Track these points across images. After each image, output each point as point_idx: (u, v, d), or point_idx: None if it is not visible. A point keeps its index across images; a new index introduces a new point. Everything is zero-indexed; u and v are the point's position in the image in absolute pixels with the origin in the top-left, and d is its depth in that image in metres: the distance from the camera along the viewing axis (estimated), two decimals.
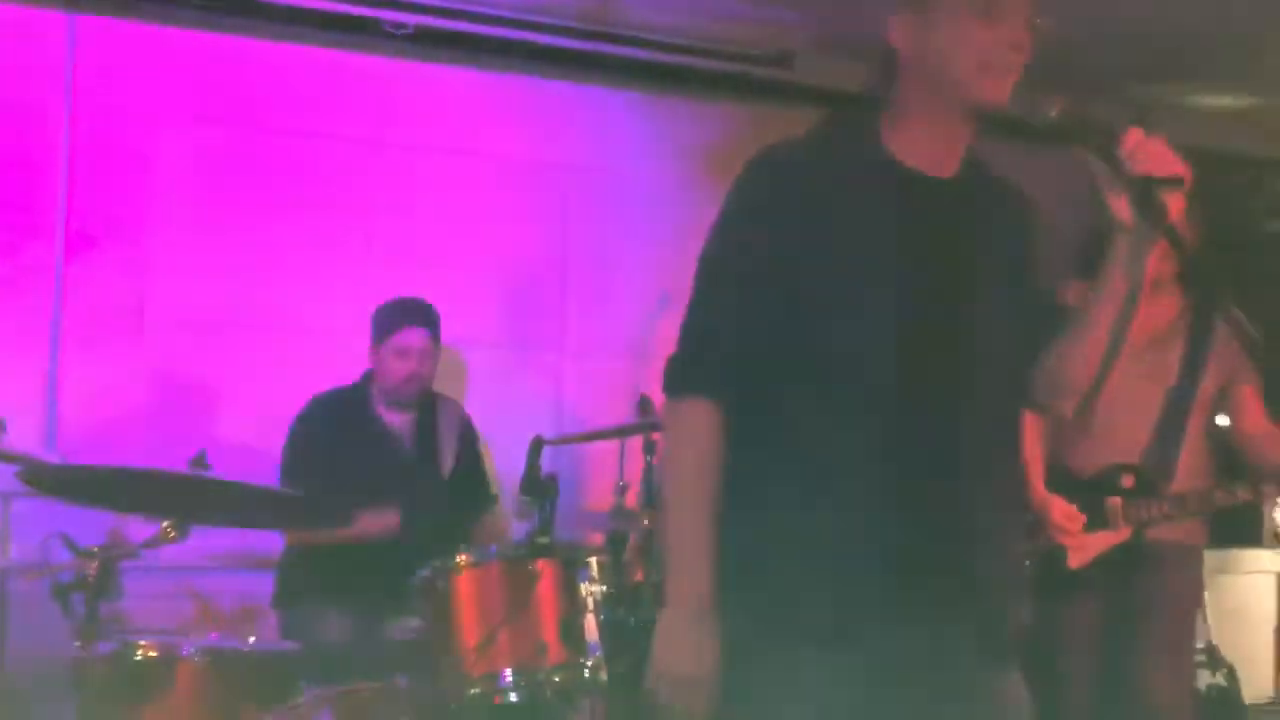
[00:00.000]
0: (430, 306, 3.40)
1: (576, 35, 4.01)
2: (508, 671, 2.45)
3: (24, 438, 3.42)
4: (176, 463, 3.43)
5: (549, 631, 2.49)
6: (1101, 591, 3.00)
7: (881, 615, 1.63)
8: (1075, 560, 2.97)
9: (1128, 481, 2.97)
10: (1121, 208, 1.64)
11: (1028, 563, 2.90)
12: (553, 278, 4.17)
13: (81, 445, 3.57)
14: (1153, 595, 2.99)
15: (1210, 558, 4.04)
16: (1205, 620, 4.31)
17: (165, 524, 2.51)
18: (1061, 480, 3.02)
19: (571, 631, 2.51)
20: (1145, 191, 1.57)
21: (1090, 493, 2.99)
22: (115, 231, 3.68)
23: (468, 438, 3.49)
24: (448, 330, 3.78)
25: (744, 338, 1.66)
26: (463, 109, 4.05)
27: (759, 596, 1.64)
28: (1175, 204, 1.59)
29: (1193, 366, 3.04)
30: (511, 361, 4.08)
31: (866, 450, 1.64)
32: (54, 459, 3.47)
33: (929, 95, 1.70)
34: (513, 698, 2.47)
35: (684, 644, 1.62)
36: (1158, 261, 2.96)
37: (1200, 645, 4.10)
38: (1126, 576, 2.98)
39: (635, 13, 4.03)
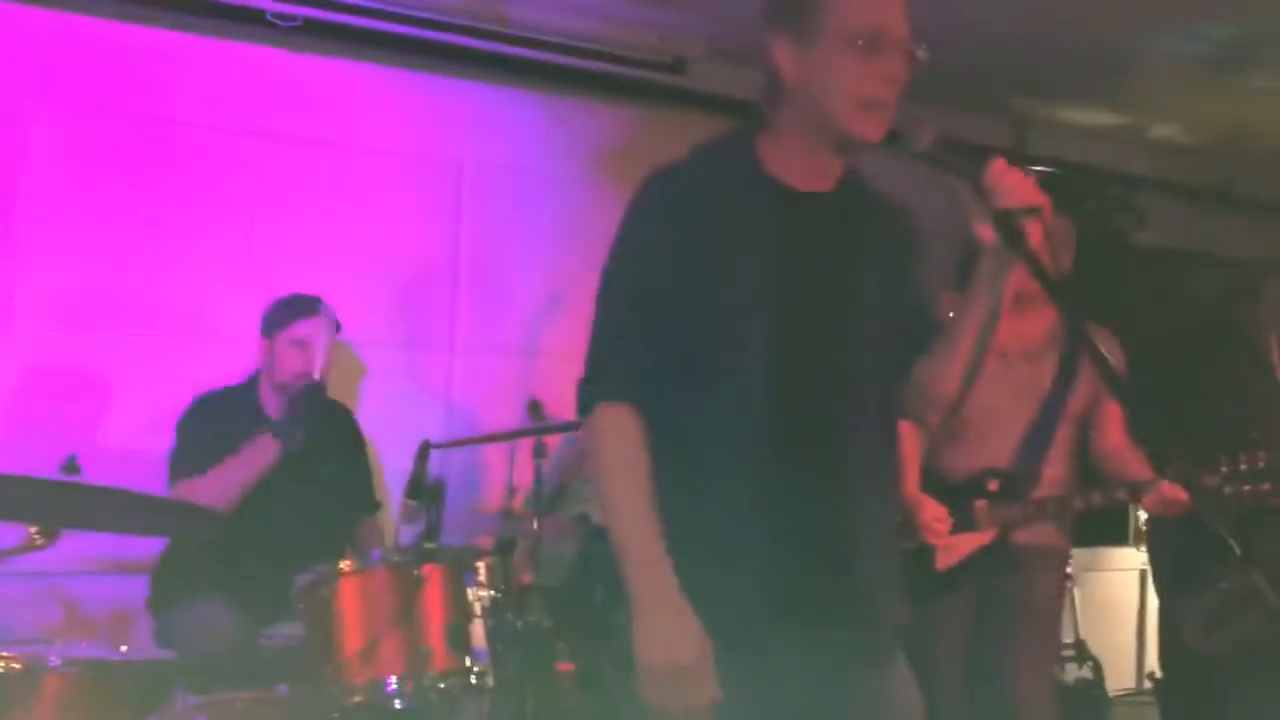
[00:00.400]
0: (323, 302, 3.29)
1: (472, 34, 3.97)
2: (392, 679, 2.42)
3: None
4: (46, 464, 3.33)
5: (435, 637, 2.47)
6: (969, 591, 3.11)
7: (767, 615, 1.71)
8: (943, 560, 3.08)
9: (993, 485, 3.09)
10: (985, 232, 1.75)
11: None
12: (444, 276, 4.12)
13: None
14: (1018, 595, 3.12)
15: (1079, 555, 4.23)
16: (1074, 616, 4.51)
17: (32, 530, 2.41)
18: (934, 483, 3.13)
19: (458, 637, 2.50)
20: (1007, 219, 1.69)
21: (959, 496, 3.10)
22: None
23: (352, 441, 3.41)
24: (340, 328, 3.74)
25: (644, 349, 1.75)
26: (354, 103, 3.97)
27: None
28: (1034, 231, 1.70)
29: (1064, 379, 3.17)
30: (402, 361, 4.02)
31: (749, 456, 1.73)
32: None
33: (806, 120, 1.79)
34: (397, 705, 2.46)
35: (672, 635, 1.65)
36: (1028, 278, 3.12)
37: (1068, 640, 4.29)
38: (993, 577, 3.10)
39: (531, 14, 4.01)
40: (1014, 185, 1.69)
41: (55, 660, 2.43)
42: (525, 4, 3.99)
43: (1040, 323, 3.20)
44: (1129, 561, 5.41)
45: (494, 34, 4.00)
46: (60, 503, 2.32)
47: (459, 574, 2.58)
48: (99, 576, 3.45)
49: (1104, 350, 3.09)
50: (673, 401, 1.75)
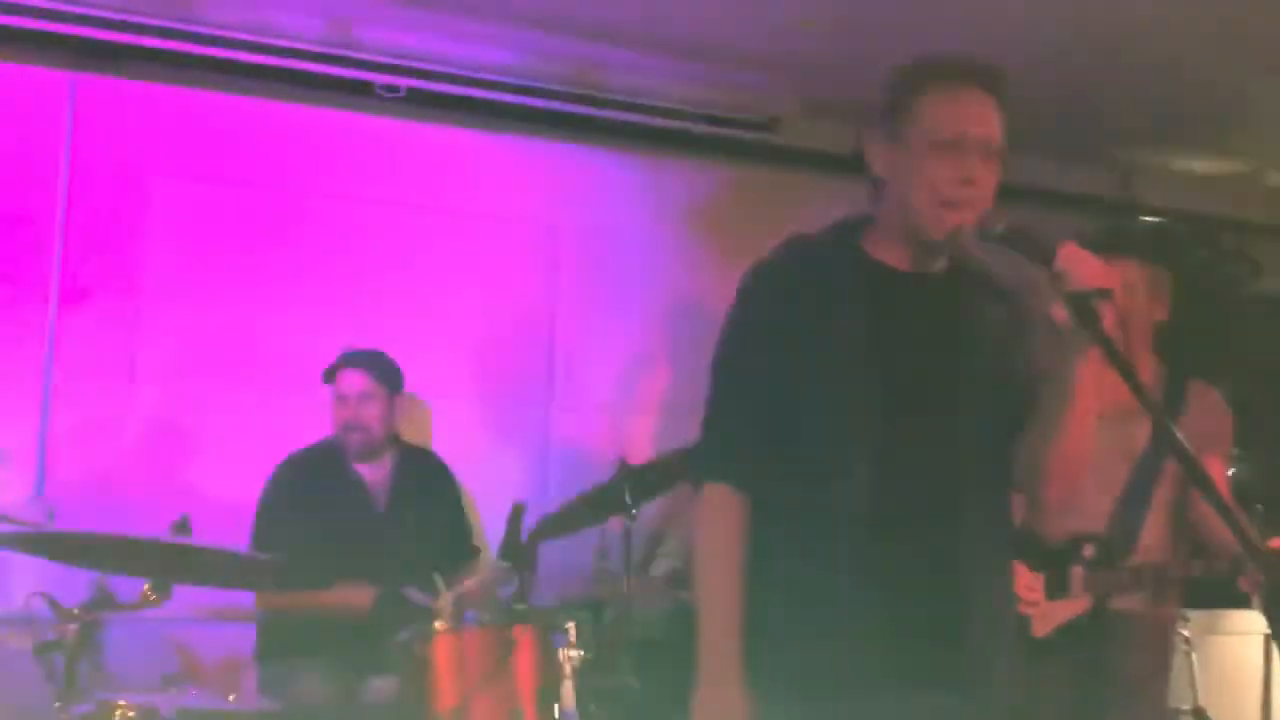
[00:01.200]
0: (375, 353, 3.38)
1: (567, 99, 4.09)
2: None
3: (13, 487, 3.48)
4: (162, 514, 3.49)
5: (525, 698, 2.51)
6: (1068, 659, 3.03)
7: (870, 677, 1.78)
8: (1040, 628, 3.01)
9: (1088, 552, 3.01)
10: (1059, 314, 1.75)
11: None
12: (540, 334, 4.22)
13: (69, 495, 3.62)
14: (1116, 664, 3.02)
15: (1198, 618, 4.08)
16: (1193, 683, 4.34)
17: (147, 586, 2.55)
18: (1032, 548, 3.07)
19: (548, 698, 2.53)
20: (1078, 301, 1.70)
21: (1055, 562, 3.03)
22: (108, 285, 3.74)
23: (444, 488, 3.49)
24: (437, 384, 3.87)
25: (750, 432, 1.85)
26: (455, 168, 4.13)
27: (766, 655, 1.80)
28: (1106, 312, 1.71)
29: (1160, 439, 3.09)
30: (499, 416, 4.13)
31: (854, 536, 1.79)
32: (42, 509, 3.52)
33: (901, 216, 1.86)
34: None
35: (723, 708, 1.77)
36: (1128, 336, 3.06)
37: (1187, 707, 4.13)
38: (1091, 645, 3.02)
39: (624, 77, 4.12)
40: (1085, 268, 1.71)
41: (167, 710, 2.56)
42: (619, 69, 4.10)
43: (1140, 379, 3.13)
44: (1252, 625, 5.18)
45: (588, 97, 4.11)
46: (171, 562, 2.45)
47: (549, 635, 2.62)
48: (212, 625, 3.60)
49: (1207, 407, 3.05)
50: (778, 482, 1.82)
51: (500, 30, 3.91)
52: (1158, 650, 3.17)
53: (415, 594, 2.99)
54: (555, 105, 4.09)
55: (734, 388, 1.89)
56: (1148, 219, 5.19)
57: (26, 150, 3.67)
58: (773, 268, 1.92)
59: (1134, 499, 3.05)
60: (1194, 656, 4.42)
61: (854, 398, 1.81)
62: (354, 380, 3.28)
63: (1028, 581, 2.98)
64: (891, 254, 1.88)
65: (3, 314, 3.62)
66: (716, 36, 3.94)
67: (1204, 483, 1.71)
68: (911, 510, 1.81)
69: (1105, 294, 1.72)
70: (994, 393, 1.87)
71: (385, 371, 3.33)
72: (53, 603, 2.67)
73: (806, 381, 1.82)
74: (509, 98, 4.04)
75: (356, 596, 3.12)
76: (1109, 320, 1.70)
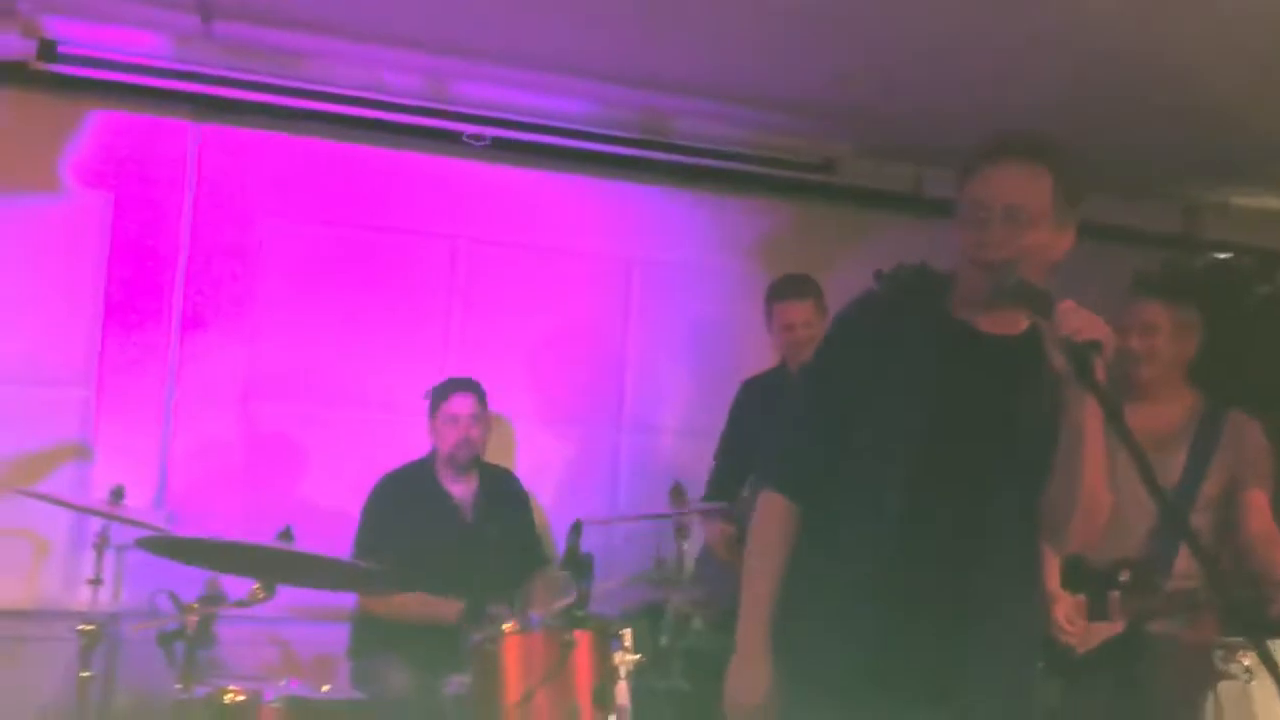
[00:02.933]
0: (474, 380, 3.78)
1: (638, 144, 4.38)
2: None
3: (138, 497, 3.87)
4: (270, 523, 3.87)
5: (582, 696, 2.78)
6: (1106, 678, 3.18)
7: (873, 686, 2.01)
8: (1081, 647, 3.17)
9: (1125, 576, 3.15)
10: (1059, 361, 1.94)
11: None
12: (613, 361, 4.51)
13: (187, 505, 4.00)
14: (1149, 686, 3.15)
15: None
16: (1253, 711, 4.36)
17: (255, 586, 2.90)
18: (1075, 572, 3.23)
19: (603, 697, 2.80)
20: (1074, 352, 1.88)
21: (1096, 585, 3.19)
22: (224, 316, 4.13)
23: (519, 502, 3.84)
24: (518, 409, 4.21)
25: (813, 453, 2.11)
26: (536, 207, 4.44)
27: (793, 651, 2.08)
28: (1098, 364, 1.88)
29: (1195, 469, 3.21)
30: (574, 437, 4.43)
31: (891, 550, 2.02)
32: (163, 515, 3.92)
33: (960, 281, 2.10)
34: None
35: (750, 683, 2.07)
36: (1161, 368, 3.21)
37: None
38: (1127, 667, 3.16)
39: (693, 125, 4.40)
40: (1079, 321, 1.88)
41: (269, 696, 2.90)
42: (688, 117, 4.38)
43: (1172, 411, 3.25)
44: None
45: (660, 144, 4.40)
46: (276, 565, 2.80)
47: (606, 640, 2.88)
48: (311, 623, 3.96)
49: (1245, 438, 3.16)
50: (831, 499, 2.08)
51: (577, 83, 4.20)
52: (1193, 674, 3.27)
53: (496, 609, 3.33)
54: (627, 151, 4.38)
55: (807, 414, 2.16)
56: (1213, 254, 5.26)
57: (154, 192, 4.07)
58: (861, 307, 2.17)
59: (1167, 526, 3.19)
60: (1253, 684, 4.43)
61: (905, 437, 2.03)
62: (465, 403, 3.70)
63: (1069, 613, 3.14)
64: (972, 310, 2.08)
65: (130, 339, 4.02)
66: (776, 85, 4.16)
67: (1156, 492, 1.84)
68: (941, 541, 2.02)
69: (1097, 346, 1.87)
70: (1035, 447, 2.03)
71: (484, 396, 3.73)
72: (174, 598, 3.04)
73: (869, 418, 2.06)
74: (586, 144, 4.34)
75: (445, 608, 3.45)
76: (1098, 371, 1.86)
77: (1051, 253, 2.04)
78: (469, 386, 3.74)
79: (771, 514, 2.12)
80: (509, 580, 3.60)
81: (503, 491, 3.80)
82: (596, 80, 4.19)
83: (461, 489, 3.74)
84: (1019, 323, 2.09)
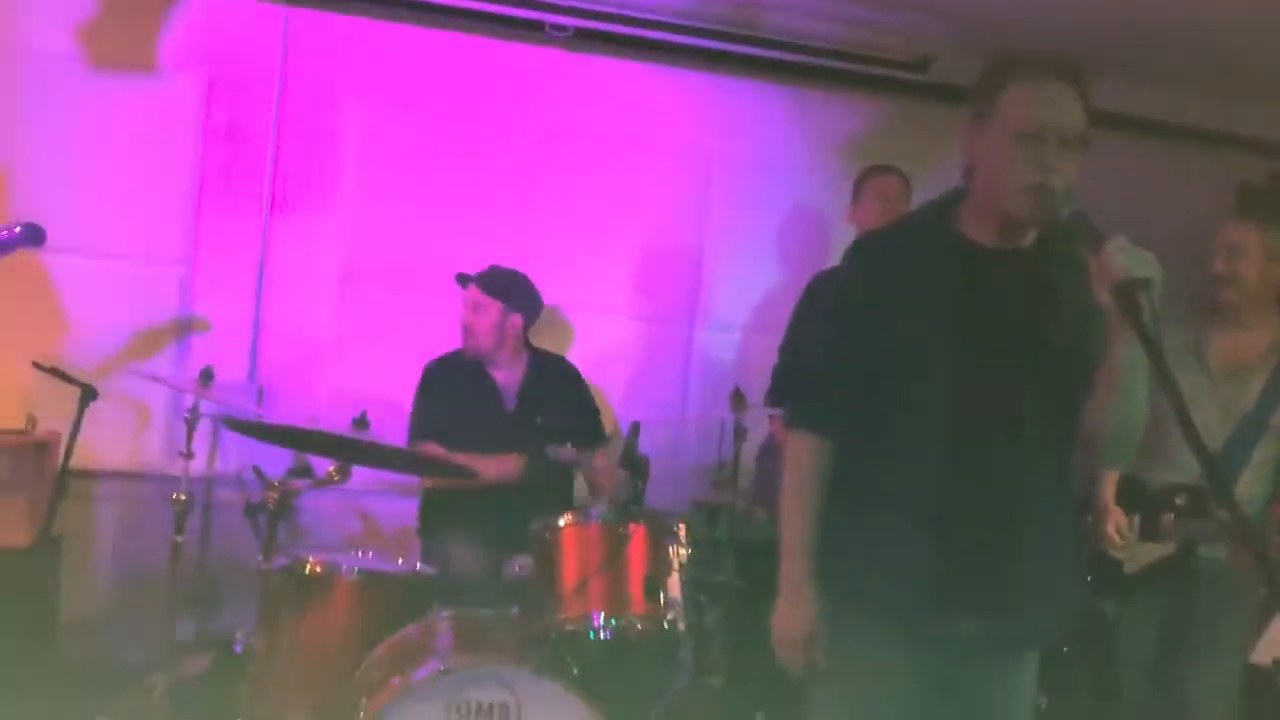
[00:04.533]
0: (495, 273, 3.78)
1: (725, 38, 4.31)
2: (598, 614, 2.89)
3: (231, 373, 4.07)
4: (352, 406, 4.05)
5: (635, 585, 2.91)
6: (1154, 599, 3.21)
7: (926, 604, 2.06)
8: (1129, 567, 3.20)
9: (1180, 500, 3.15)
10: (1103, 297, 1.92)
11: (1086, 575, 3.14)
12: (690, 256, 4.52)
13: (276, 382, 4.20)
14: (1198, 609, 3.17)
15: None
16: None
17: (332, 468, 3.07)
18: (1132, 491, 3.23)
19: (655, 587, 2.92)
20: (1121, 289, 1.86)
21: (1151, 507, 3.19)
22: (313, 200, 4.24)
23: (573, 385, 3.89)
24: (593, 302, 4.29)
25: (840, 388, 2.13)
26: (618, 98, 4.42)
27: (839, 582, 2.13)
28: (1143, 302, 1.86)
29: (1270, 398, 3.16)
30: (648, 333, 4.49)
31: (922, 481, 2.06)
32: (253, 393, 4.13)
33: (988, 197, 2.06)
34: (604, 636, 2.93)
35: (795, 617, 2.13)
36: (1248, 294, 3.12)
37: None
38: (1177, 589, 3.18)
39: (783, 19, 4.30)
40: (1129, 259, 1.86)
41: (346, 568, 3.09)
42: (778, 10, 4.28)
43: (1257, 339, 3.19)
44: None
45: (749, 38, 4.32)
46: (350, 450, 2.95)
47: (660, 534, 2.99)
48: (395, 497, 4.15)
49: None
50: (862, 431, 2.10)
51: None
52: (1241, 598, 3.29)
53: (555, 450, 3.45)
54: (715, 44, 4.31)
55: (830, 348, 2.19)
56: None
57: (245, 75, 4.17)
58: (870, 243, 2.19)
59: (1232, 453, 3.16)
60: None
61: (934, 362, 2.04)
62: (470, 292, 3.76)
63: (1120, 526, 3.16)
64: (979, 230, 2.08)
65: (224, 220, 4.17)
66: None
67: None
68: (980, 458, 2.03)
69: (1146, 284, 1.86)
70: (1065, 360, 2.05)
71: (500, 289, 3.74)
72: (259, 473, 3.24)
73: (894, 346, 2.07)
74: (672, 37, 4.29)
75: (507, 463, 3.59)
76: (1145, 308, 1.84)
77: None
78: (475, 277, 3.76)
79: (804, 453, 2.15)
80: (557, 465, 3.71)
81: (552, 375, 3.85)
82: None
83: (505, 375, 3.80)
84: (1027, 236, 2.08)
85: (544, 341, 4.03)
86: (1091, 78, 2.04)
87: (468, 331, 3.75)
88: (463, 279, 3.79)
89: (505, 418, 3.73)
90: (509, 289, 3.76)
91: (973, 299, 2.05)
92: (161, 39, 4.08)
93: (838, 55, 4.40)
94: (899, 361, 2.06)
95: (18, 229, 2.77)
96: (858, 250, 2.21)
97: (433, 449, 3.49)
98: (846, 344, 2.14)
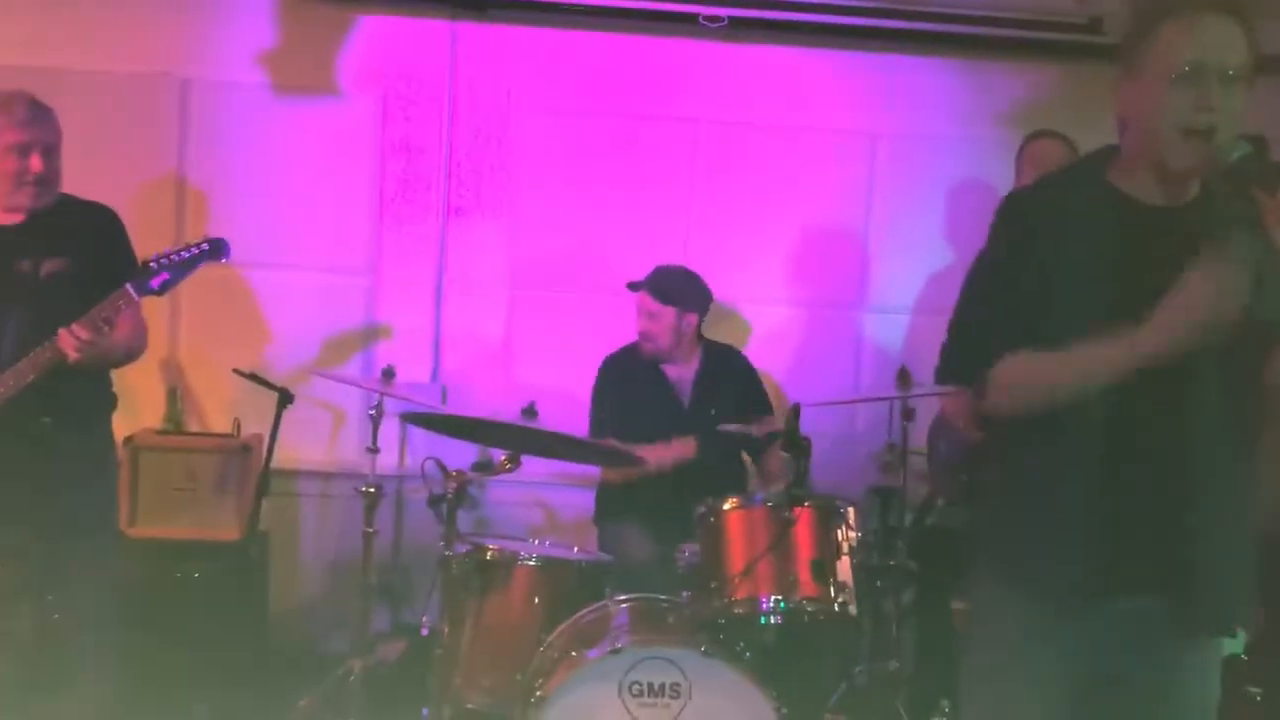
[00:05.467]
0: (666, 274, 3.84)
1: (880, 15, 4.24)
2: (766, 597, 2.90)
3: (415, 374, 4.28)
4: (524, 397, 4.19)
5: (802, 568, 2.91)
6: None
7: (1092, 578, 1.97)
8: None
9: None
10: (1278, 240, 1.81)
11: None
12: (856, 239, 4.47)
13: (456, 380, 4.39)
14: None
15: None
16: None
17: (504, 457, 3.20)
18: None
19: (822, 570, 2.91)
20: None
21: None
22: (485, 206, 4.41)
23: (745, 376, 3.93)
24: (759, 289, 4.29)
25: (994, 348, 2.01)
26: (776, 85, 4.40)
27: (1000, 561, 2.07)
28: None
29: None
30: (815, 318, 4.46)
31: (1089, 449, 1.95)
32: (436, 391, 4.33)
33: (1144, 147, 1.96)
34: (773, 620, 2.94)
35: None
36: None
37: None
38: None
39: None
40: None
41: (524, 555, 3.21)
42: None
43: None
44: None
45: (904, 12, 4.24)
46: (520, 439, 3.06)
47: (827, 517, 2.98)
48: (569, 488, 4.28)
49: None
50: None
51: None
52: None
53: (729, 426, 3.50)
54: (870, 22, 4.25)
55: (982, 303, 2.07)
56: None
57: (417, 91, 4.37)
58: (1022, 198, 2.10)
59: None
60: None
61: (1089, 319, 1.92)
62: (642, 300, 3.82)
63: None
64: (1134, 185, 1.97)
65: (403, 230, 4.39)
66: None
67: None
68: (1145, 427, 1.92)
69: None
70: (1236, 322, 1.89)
71: (671, 293, 3.80)
72: (440, 465, 3.40)
73: (1045, 302, 1.96)
74: (827, 18, 4.25)
75: (682, 447, 3.66)
76: None
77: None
78: (646, 284, 3.81)
79: (1000, 374, 1.99)
80: (732, 455, 3.73)
81: (725, 368, 3.89)
82: None
83: (679, 371, 3.87)
84: (1189, 189, 1.96)
85: (715, 332, 4.07)
86: (1255, 10, 1.91)
87: (645, 337, 3.83)
88: (633, 286, 3.86)
89: (681, 414, 3.81)
90: (680, 292, 3.83)
91: (1127, 254, 1.94)
92: (339, 62, 4.33)
93: (1004, 23, 4.25)
94: (1051, 316, 1.96)
95: (205, 245, 2.98)
96: (1008, 204, 2.09)
97: (609, 444, 3.58)
98: (997, 298, 2.02)
